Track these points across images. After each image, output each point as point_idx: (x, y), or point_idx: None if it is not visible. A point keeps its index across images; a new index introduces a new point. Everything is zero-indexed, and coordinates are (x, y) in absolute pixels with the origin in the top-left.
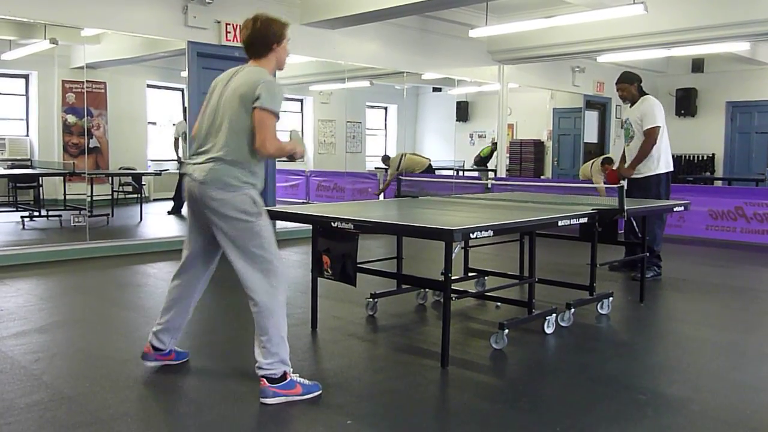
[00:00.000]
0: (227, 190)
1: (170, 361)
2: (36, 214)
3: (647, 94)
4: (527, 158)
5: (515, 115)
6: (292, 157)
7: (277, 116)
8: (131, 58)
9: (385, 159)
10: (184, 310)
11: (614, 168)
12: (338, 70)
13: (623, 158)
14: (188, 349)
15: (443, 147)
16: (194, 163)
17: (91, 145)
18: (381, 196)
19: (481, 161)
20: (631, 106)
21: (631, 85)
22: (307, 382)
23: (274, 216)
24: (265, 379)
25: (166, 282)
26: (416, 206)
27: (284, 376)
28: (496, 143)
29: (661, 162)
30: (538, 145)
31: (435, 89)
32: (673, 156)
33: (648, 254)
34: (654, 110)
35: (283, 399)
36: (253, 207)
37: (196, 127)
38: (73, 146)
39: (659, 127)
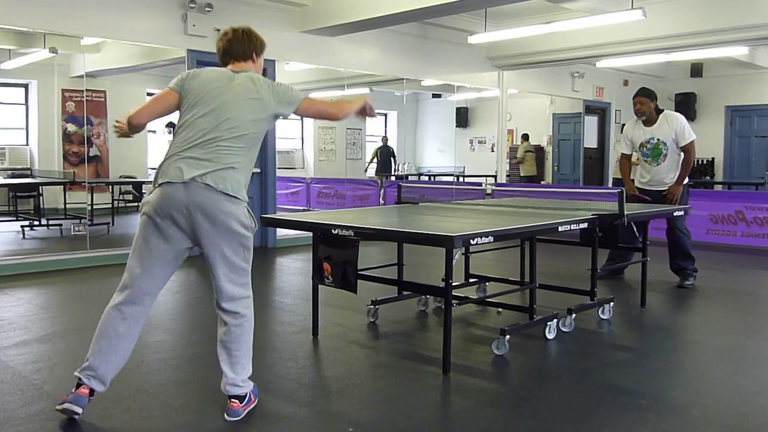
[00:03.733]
0: (236, 203)
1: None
2: (36, 223)
3: (663, 110)
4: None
5: (515, 120)
6: (364, 111)
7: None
8: (131, 66)
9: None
10: (128, 348)
11: (632, 190)
12: (338, 77)
13: (627, 175)
14: (191, 356)
15: (443, 153)
16: (197, 168)
17: (91, 154)
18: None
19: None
20: (645, 123)
21: (651, 101)
22: (250, 384)
23: (275, 224)
24: (236, 400)
25: (167, 290)
26: (417, 212)
27: (246, 393)
28: (386, 139)
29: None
30: (538, 150)
31: (435, 95)
32: None
33: (688, 265)
34: (687, 125)
35: (244, 414)
36: (251, 221)
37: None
38: (73, 155)
39: (695, 139)
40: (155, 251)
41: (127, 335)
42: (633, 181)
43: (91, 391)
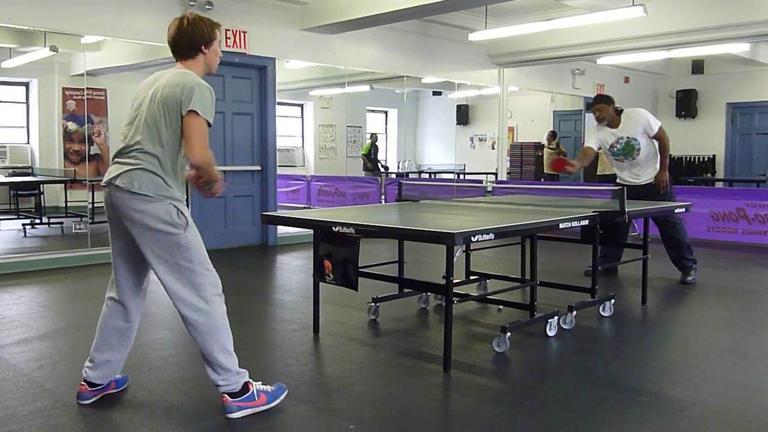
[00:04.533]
0: (150, 201)
1: (111, 391)
2: (37, 221)
3: (622, 110)
4: (528, 161)
5: (516, 118)
6: (209, 186)
7: (209, 123)
8: (131, 64)
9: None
10: (126, 341)
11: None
12: (338, 74)
13: (581, 156)
14: (192, 354)
15: (444, 151)
16: (115, 170)
17: (91, 152)
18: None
19: (368, 161)
20: (609, 126)
21: (609, 106)
22: (270, 388)
23: (276, 221)
24: (226, 395)
25: None
26: (417, 210)
27: (245, 387)
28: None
29: (660, 164)
30: (539, 147)
31: (435, 93)
32: (673, 157)
33: (687, 258)
34: (649, 115)
35: (248, 411)
36: (179, 218)
37: (123, 133)
38: (74, 153)
39: (661, 125)
40: (115, 247)
41: (118, 327)
42: (616, 177)
43: (94, 384)
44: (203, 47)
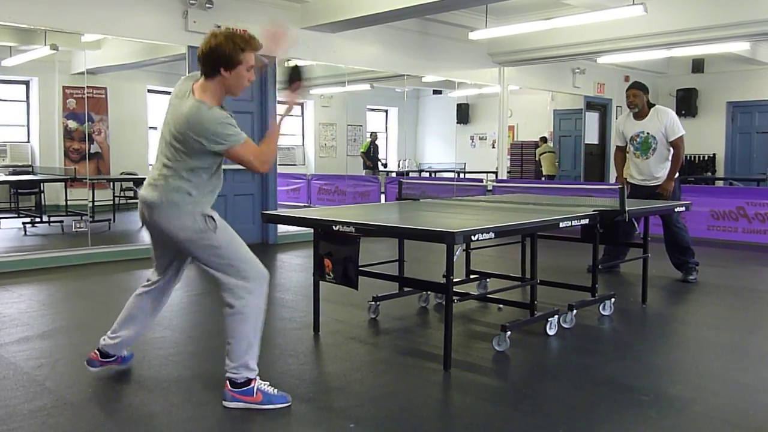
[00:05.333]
0: (174, 212)
1: (116, 365)
2: (38, 219)
3: (655, 105)
4: (528, 160)
5: (516, 116)
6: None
7: (243, 139)
8: (132, 63)
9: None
10: (146, 322)
11: (621, 181)
12: (339, 73)
13: (621, 169)
14: (193, 352)
15: (444, 149)
16: (148, 190)
17: (92, 151)
18: None
19: (368, 159)
20: (636, 116)
21: (644, 94)
22: (273, 392)
23: (276, 220)
24: (228, 382)
25: None
26: (417, 209)
27: (247, 382)
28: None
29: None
30: (540, 146)
31: (435, 92)
32: None
33: (689, 258)
34: (677, 120)
35: (241, 404)
36: (206, 224)
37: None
38: (75, 152)
39: (684, 135)
40: (151, 238)
41: (144, 307)
42: (626, 178)
43: (107, 355)
44: (223, 69)
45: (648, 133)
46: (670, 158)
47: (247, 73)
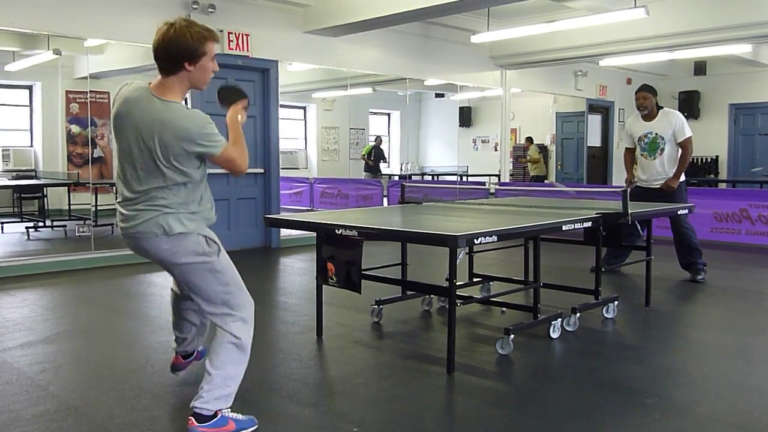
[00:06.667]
0: (177, 238)
1: (196, 361)
2: (41, 224)
3: (663, 107)
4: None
5: (518, 119)
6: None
7: (224, 143)
8: (135, 67)
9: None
10: (194, 315)
11: (629, 179)
12: (341, 77)
13: (630, 168)
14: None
15: (446, 152)
16: (127, 214)
17: (95, 155)
18: None
19: (369, 160)
20: (645, 117)
21: (653, 96)
22: (241, 417)
23: (279, 224)
24: (193, 418)
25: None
26: (420, 212)
27: (215, 414)
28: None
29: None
30: (542, 149)
31: (437, 95)
32: None
33: (697, 259)
34: (685, 122)
35: None
36: (209, 246)
37: (118, 169)
38: (78, 156)
39: (691, 136)
40: None
41: (183, 308)
42: (635, 179)
43: (187, 354)
44: (187, 63)
45: (656, 134)
46: (678, 159)
47: (212, 64)
